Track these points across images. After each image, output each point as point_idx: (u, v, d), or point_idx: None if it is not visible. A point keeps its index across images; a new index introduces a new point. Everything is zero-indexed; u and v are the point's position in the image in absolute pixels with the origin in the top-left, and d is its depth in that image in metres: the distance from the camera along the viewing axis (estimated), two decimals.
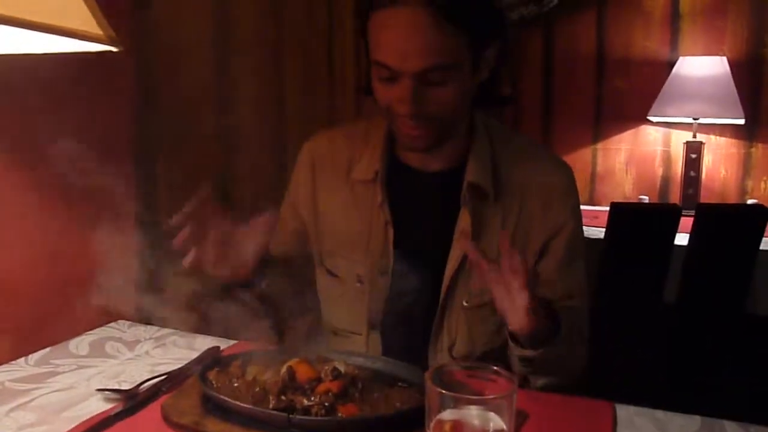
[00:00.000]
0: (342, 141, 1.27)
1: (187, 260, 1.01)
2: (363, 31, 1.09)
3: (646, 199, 3.44)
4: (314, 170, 1.28)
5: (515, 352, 1.08)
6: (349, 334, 1.24)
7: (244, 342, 1.21)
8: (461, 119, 1.17)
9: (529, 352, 1.05)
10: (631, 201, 2.32)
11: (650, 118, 3.35)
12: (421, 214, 1.21)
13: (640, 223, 2.18)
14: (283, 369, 0.94)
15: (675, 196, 3.47)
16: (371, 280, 1.21)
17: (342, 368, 0.97)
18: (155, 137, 1.54)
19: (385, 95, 1.08)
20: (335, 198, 1.25)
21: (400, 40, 1.02)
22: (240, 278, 1.09)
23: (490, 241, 1.17)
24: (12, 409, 0.93)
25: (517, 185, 1.20)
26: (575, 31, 3.68)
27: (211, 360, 1.01)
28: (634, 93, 3.56)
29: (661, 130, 3.59)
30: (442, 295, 1.18)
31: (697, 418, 0.95)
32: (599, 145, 3.70)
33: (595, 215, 3.27)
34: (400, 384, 0.98)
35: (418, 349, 1.22)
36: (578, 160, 3.66)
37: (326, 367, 0.95)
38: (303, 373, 0.93)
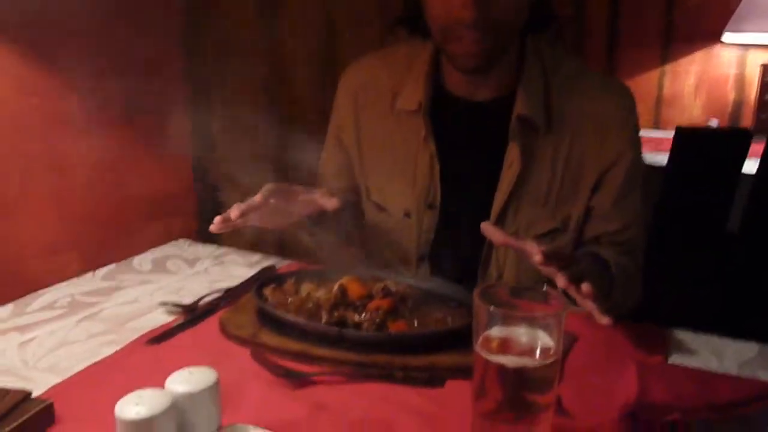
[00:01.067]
0: (383, 68, 1.23)
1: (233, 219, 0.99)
2: None
3: (715, 122, 3.27)
4: (356, 100, 1.25)
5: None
6: (399, 267, 1.25)
7: (300, 262, 1.24)
8: (513, 38, 1.11)
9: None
10: (698, 126, 2.19)
11: (725, 39, 3.15)
12: (468, 145, 1.18)
13: (706, 149, 2.07)
14: (336, 286, 0.96)
15: (747, 122, 3.29)
16: (419, 213, 1.20)
17: (393, 287, 0.98)
18: (205, 56, 1.54)
19: (443, 5, 1.02)
20: (379, 129, 1.23)
21: None
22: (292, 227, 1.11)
23: (540, 175, 1.14)
24: (81, 320, 0.99)
25: (571, 115, 1.14)
26: None
27: (267, 277, 1.04)
28: (708, 10, 3.33)
29: (736, 51, 3.37)
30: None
31: (755, 344, 0.93)
32: (667, 67, 3.51)
33: (659, 141, 3.14)
34: (450, 303, 0.99)
35: (467, 281, 1.22)
36: (644, 82, 3.49)
37: (377, 285, 0.97)
38: (354, 290, 0.95)
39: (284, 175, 1.77)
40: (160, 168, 1.44)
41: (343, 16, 1.99)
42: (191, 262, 1.25)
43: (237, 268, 1.23)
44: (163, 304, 1.03)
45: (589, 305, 0.86)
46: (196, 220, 1.51)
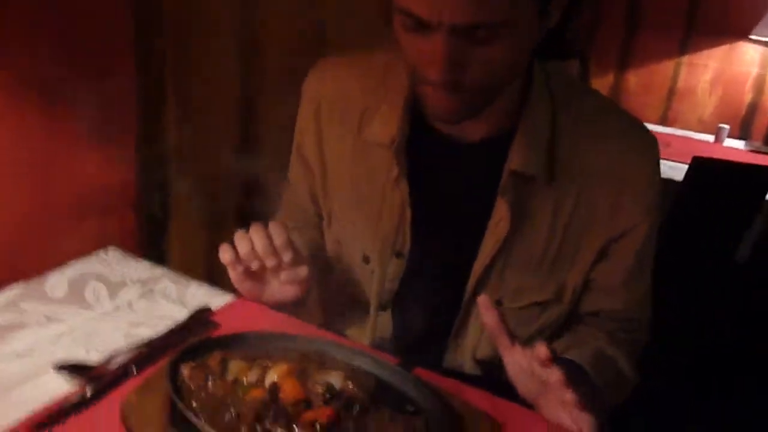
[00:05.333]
0: (353, 79, 1.00)
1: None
2: None
3: (726, 128, 3.07)
4: (319, 110, 1.03)
5: None
6: (355, 314, 1.08)
7: (243, 300, 1.06)
8: (513, 81, 0.90)
9: None
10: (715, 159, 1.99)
11: (753, 35, 2.91)
12: (449, 192, 0.98)
13: (722, 182, 1.90)
14: (267, 381, 0.78)
15: (760, 129, 3.09)
16: (381, 260, 1.02)
17: (339, 384, 0.81)
18: (160, 29, 1.31)
19: (411, 49, 0.80)
20: (343, 153, 1.02)
21: None
22: None
23: (535, 235, 0.96)
24: None
25: (581, 165, 0.93)
26: None
27: (188, 348, 0.85)
28: (739, 2, 3.06)
29: (761, 49, 3.13)
30: (468, 291, 0.98)
31: None
32: (685, 59, 3.27)
33: (667, 142, 2.93)
34: (407, 407, 0.82)
35: (436, 341, 1.05)
36: (658, 71, 3.25)
37: (318, 385, 0.79)
38: (289, 392, 0.77)
39: (247, 164, 1.58)
40: (98, 159, 1.23)
41: None
42: (114, 290, 1.06)
43: (166, 304, 1.04)
44: (61, 368, 0.85)
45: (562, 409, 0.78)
46: (136, 218, 1.31)
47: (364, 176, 1.00)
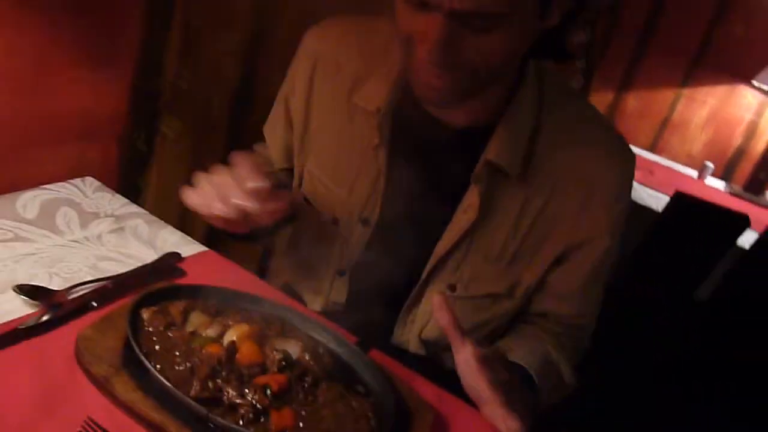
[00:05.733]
0: (353, 44, 1.00)
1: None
2: None
3: (710, 167, 3.12)
4: (315, 67, 1.02)
5: None
6: (314, 273, 1.08)
7: (212, 252, 1.06)
8: (505, 73, 0.90)
9: None
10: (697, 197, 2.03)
11: (756, 82, 2.94)
12: (424, 169, 0.97)
13: (700, 221, 1.94)
14: (226, 340, 0.79)
15: (742, 174, 3.15)
16: (348, 225, 1.02)
17: (296, 353, 0.82)
18: None
19: (406, 23, 0.80)
20: (330, 113, 1.02)
21: None
22: None
23: (499, 227, 0.97)
24: None
25: (555, 168, 0.95)
26: None
27: (150, 292, 0.85)
28: (748, 46, 3.10)
29: (760, 97, 3.18)
30: (424, 274, 1.00)
31: None
32: (685, 91, 3.30)
33: (651, 169, 2.97)
34: (358, 388, 0.84)
35: (387, 315, 1.07)
36: (657, 99, 3.28)
37: (276, 351, 0.80)
38: (246, 353, 0.78)
39: (245, 108, 1.55)
40: (92, 81, 1.20)
41: None
42: (86, 220, 1.05)
43: (136, 243, 1.03)
44: (21, 288, 0.84)
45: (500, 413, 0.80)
46: (118, 151, 1.29)
47: (346, 139, 1.00)
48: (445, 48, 0.76)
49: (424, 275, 1.00)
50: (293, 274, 1.13)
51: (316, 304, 1.08)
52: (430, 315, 1.03)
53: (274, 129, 1.12)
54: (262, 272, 1.25)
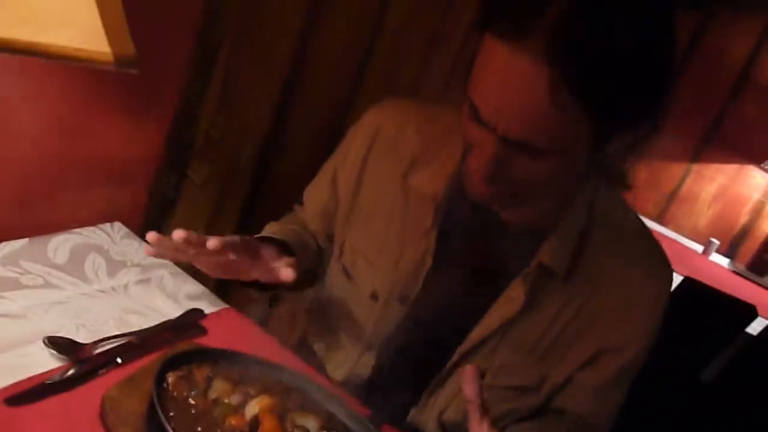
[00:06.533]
0: (414, 127, 1.03)
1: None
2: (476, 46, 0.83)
3: (716, 243, 3.14)
4: (373, 142, 1.05)
5: None
6: (341, 343, 1.09)
7: (233, 310, 1.08)
8: (558, 188, 0.93)
9: None
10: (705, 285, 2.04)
11: (765, 165, 2.99)
12: (473, 257, 1.00)
13: (707, 308, 1.95)
14: (248, 412, 0.80)
15: (746, 253, 3.18)
16: (387, 301, 1.04)
17: (314, 430, 0.83)
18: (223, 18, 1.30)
19: (467, 130, 0.84)
20: (382, 191, 1.04)
21: (502, 91, 0.76)
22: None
23: (538, 321, 0.98)
24: None
25: (600, 272, 0.96)
26: (728, 35, 3.22)
27: (176, 356, 0.86)
28: (761, 129, 3.16)
29: None
30: (455, 356, 1.01)
31: None
32: (694, 167, 3.35)
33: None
34: None
35: (409, 393, 1.07)
36: (666, 171, 3.33)
37: (297, 428, 0.81)
38: (268, 429, 0.78)
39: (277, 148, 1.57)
40: (128, 129, 1.23)
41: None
42: (113, 268, 1.07)
43: (161, 297, 1.05)
44: (51, 341, 0.85)
45: None
46: (148, 198, 1.32)
47: (397, 219, 1.02)
48: (495, 164, 0.79)
49: (454, 358, 1.01)
50: (317, 337, 1.14)
51: (338, 373, 1.09)
52: (453, 398, 1.04)
53: (315, 194, 1.14)
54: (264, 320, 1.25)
